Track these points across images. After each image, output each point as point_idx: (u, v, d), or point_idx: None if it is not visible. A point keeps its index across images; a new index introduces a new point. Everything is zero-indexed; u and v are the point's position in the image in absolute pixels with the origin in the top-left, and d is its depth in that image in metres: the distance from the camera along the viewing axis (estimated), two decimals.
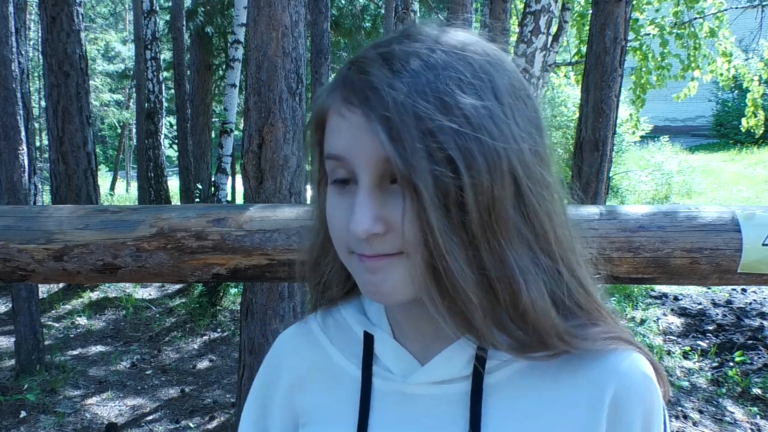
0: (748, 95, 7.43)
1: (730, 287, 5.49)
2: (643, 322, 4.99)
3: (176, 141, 13.18)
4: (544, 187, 0.53)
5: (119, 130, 20.13)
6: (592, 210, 0.97)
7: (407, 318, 0.61)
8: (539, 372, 0.58)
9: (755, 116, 7.43)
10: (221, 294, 6.17)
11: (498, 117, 0.50)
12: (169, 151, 20.37)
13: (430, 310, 0.52)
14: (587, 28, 5.03)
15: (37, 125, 13.61)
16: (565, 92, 10.12)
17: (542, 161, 0.54)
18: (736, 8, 7.86)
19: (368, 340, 0.64)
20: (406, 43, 0.52)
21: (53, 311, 6.08)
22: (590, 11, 3.89)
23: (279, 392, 0.69)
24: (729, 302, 5.29)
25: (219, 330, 5.66)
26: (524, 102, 0.53)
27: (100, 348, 5.24)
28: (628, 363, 0.57)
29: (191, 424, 3.86)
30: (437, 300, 0.51)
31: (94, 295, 6.53)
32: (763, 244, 0.92)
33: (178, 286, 6.83)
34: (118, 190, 17.78)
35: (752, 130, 7.61)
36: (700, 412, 3.74)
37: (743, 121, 7.63)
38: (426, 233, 0.48)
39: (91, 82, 10.75)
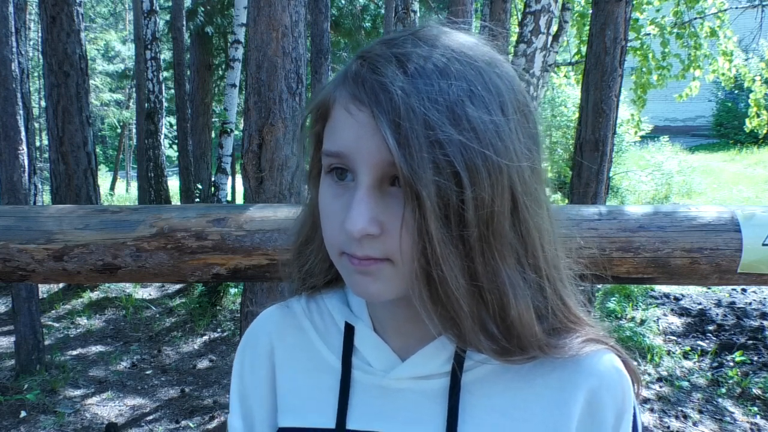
0: (751, 96, 7.42)
1: (730, 287, 5.49)
2: (643, 322, 4.99)
3: (176, 141, 13.18)
4: (537, 205, 0.54)
5: (119, 130, 20.12)
6: (592, 210, 0.97)
7: (389, 316, 0.62)
8: (514, 371, 0.60)
9: (758, 116, 7.43)
10: (221, 294, 6.17)
11: (504, 132, 0.50)
12: (169, 151, 20.37)
13: (421, 313, 0.52)
14: (587, 28, 5.03)
15: (37, 125, 13.61)
16: (565, 92, 10.11)
17: (538, 178, 0.54)
18: (736, 8, 7.86)
19: (349, 331, 0.65)
20: (420, 46, 0.51)
21: (53, 311, 6.08)
22: (590, 11, 3.89)
23: (260, 369, 0.69)
24: (729, 302, 5.29)
25: (219, 330, 5.66)
26: (526, 117, 0.54)
27: (100, 348, 5.24)
28: (600, 363, 0.59)
29: (191, 424, 3.85)
30: (428, 305, 0.51)
31: (94, 295, 6.53)
32: (763, 244, 0.92)
33: (178, 286, 6.83)
34: (118, 190, 17.77)
35: (756, 131, 7.62)
36: (700, 412, 3.74)
37: (747, 121, 7.63)
38: (424, 241, 0.49)
39: (91, 82, 10.76)
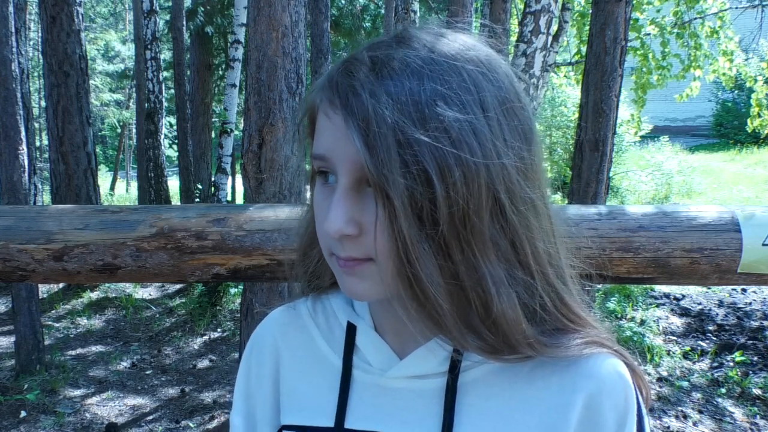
0: (753, 95, 7.42)
1: (730, 287, 5.49)
2: (643, 322, 4.99)
3: (176, 141, 13.18)
4: (525, 203, 0.53)
5: (119, 130, 20.12)
6: (592, 210, 0.97)
7: (388, 316, 0.63)
8: (512, 373, 0.59)
9: (760, 116, 7.43)
10: (221, 294, 6.18)
11: (481, 131, 0.49)
12: (169, 151, 20.37)
13: (400, 313, 0.53)
14: (587, 28, 5.02)
15: (37, 125, 13.61)
16: (565, 92, 10.11)
17: (526, 177, 0.53)
18: (736, 8, 7.86)
19: (351, 330, 0.65)
20: (396, 48, 0.51)
21: (53, 311, 6.08)
22: (590, 11, 3.89)
23: (265, 369, 0.70)
24: (729, 302, 5.29)
25: (219, 330, 5.66)
26: (515, 115, 0.53)
27: (100, 348, 5.24)
28: (602, 367, 0.57)
29: (191, 424, 3.85)
30: (409, 303, 0.52)
31: (94, 295, 6.53)
32: (763, 244, 0.92)
33: (178, 286, 6.83)
34: (118, 190, 17.78)
35: (757, 131, 7.61)
36: (700, 412, 3.74)
37: (748, 121, 7.62)
38: (397, 240, 0.49)
39: (91, 82, 10.76)
